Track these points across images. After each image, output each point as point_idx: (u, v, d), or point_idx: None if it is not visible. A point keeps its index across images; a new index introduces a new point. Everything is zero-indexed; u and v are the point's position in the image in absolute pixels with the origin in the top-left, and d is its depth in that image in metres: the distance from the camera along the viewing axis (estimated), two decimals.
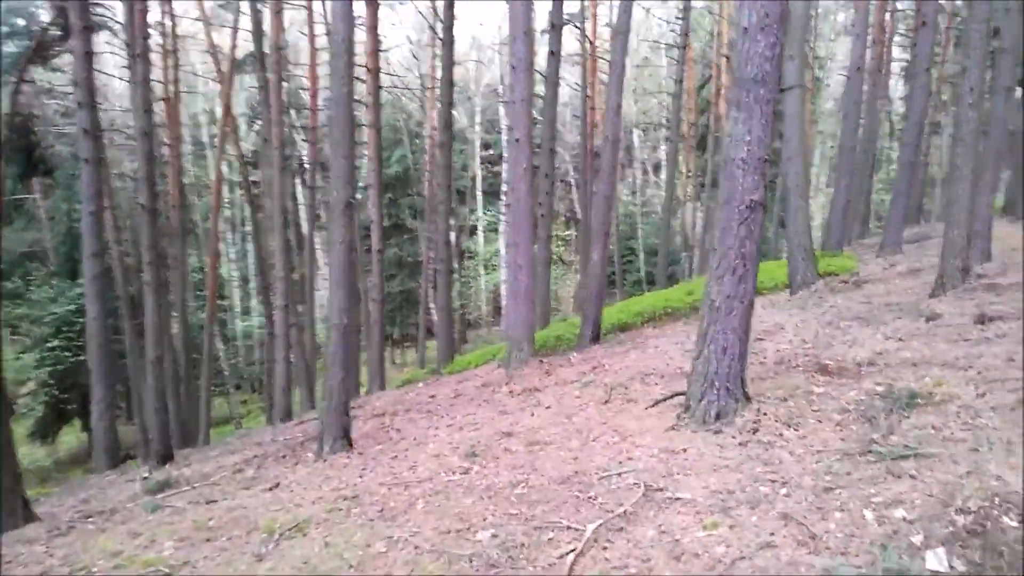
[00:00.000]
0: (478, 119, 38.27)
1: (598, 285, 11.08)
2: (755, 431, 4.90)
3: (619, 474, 4.64)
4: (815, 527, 3.45)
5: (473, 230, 39.69)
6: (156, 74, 19.91)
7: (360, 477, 5.88)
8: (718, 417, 5.11)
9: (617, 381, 7.45)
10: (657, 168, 44.15)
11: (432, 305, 32.84)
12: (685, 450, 4.84)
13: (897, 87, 34.03)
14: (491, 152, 41.41)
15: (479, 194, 38.63)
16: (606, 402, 6.72)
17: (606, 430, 5.70)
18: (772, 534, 3.46)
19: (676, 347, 9.04)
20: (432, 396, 10.57)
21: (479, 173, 38.27)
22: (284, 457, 7.70)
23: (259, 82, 14.98)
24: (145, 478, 8.89)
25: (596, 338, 11.07)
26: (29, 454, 20.82)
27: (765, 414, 5.12)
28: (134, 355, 16.89)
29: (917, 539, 3.17)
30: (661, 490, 4.27)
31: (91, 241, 10.20)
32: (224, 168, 25.67)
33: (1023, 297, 7.21)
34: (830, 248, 15.52)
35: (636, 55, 40.39)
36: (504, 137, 32.44)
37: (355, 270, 7.15)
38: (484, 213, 38.66)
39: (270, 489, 6.10)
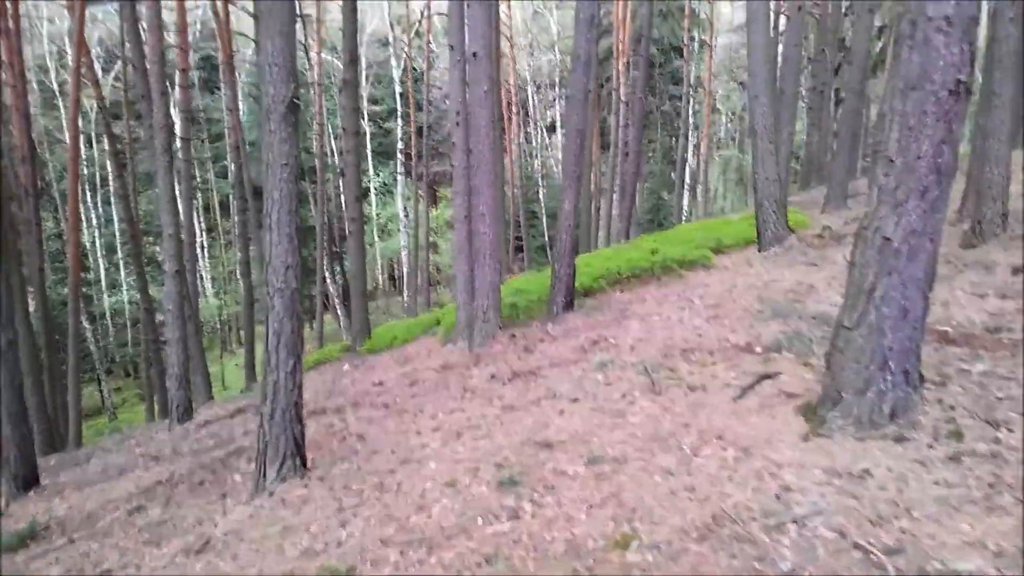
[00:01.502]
0: (364, 70, 35.11)
1: (571, 240, 9.30)
2: (958, 436, 3.35)
3: (795, 521, 2.94)
4: None
5: (365, 193, 36.83)
6: None
7: (342, 527, 3.87)
8: (893, 415, 3.52)
9: (651, 361, 5.78)
10: (552, 128, 42.96)
11: (327, 273, 30.14)
12: (868, 472, 3.21)
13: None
14: (380, 108, 38.57)
15: (369, 154, 35.75)
16: (657, 392, 5.02)
17: (706, 438, 3.98)
18: None
19: (686, 313, 7.49)
20: (378, 383, 8.54)
21: (368, 130, 35.27)
22: (202, 484, 5.49)
23: None
24: (0, 514, 6.45)
25: (569, 304, 9.36)
26: None
27: (951, 407, 3.59)
28: None
29: None
30: (897, 552, 2.61)
31: None
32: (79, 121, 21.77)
33: None
34: None
35: (527, 7, 38.71)
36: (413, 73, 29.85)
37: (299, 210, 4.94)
38: (376, 174, 35.97)
39: (198, 551, 3.97)
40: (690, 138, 33.14)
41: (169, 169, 9.51)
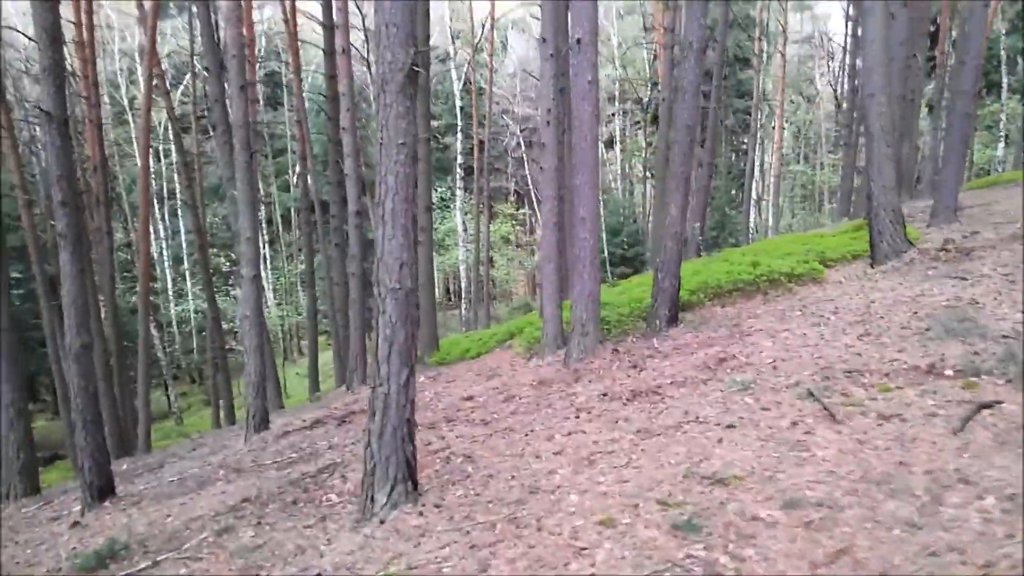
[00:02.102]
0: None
1: (677, 248, 8.50)
2: None
3: None
4: None
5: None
6: (66, 12, 16.35)
7: (483, 572, 3.16)
8: None
9: (809, 383, 4.94)
10: (610, 143, 42.13)
11: None
12: None
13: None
14: (438, 123, 38.58)
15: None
16: (838, 421, 4.18)
17: (943, 481, 3.14)
18: None
19: (825, 330, 6.59)
20: (468, 398, 7.87)
21: None
22: (296, 503, 4.87)
23: None
24: (76, 524, 6.01)
25: (674, 319, 8.55)
26: None
27: None
28: (56, 342, 13.56)
29: None
30: None
31: None
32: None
33: None
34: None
35: None
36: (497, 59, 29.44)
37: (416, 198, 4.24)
38: (435, 189, 35.89)
39: None
40: (756, 152, 31.87)
41: (248, 168, 9.06)
